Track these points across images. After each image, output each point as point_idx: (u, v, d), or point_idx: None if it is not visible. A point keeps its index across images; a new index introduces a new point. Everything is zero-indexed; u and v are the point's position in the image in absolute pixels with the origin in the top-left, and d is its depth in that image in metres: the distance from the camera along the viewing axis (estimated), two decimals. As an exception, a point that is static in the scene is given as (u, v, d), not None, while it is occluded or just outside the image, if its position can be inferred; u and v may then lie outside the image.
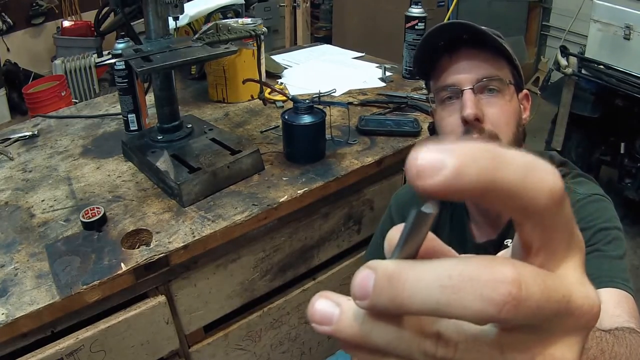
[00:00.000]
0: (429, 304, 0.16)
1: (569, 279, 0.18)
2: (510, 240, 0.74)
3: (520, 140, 0.71)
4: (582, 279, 0.19)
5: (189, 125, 1.07)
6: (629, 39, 1.89)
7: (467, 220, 0.78)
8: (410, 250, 0.19)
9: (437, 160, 0.15)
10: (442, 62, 0.71)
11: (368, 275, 0.17)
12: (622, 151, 2.10)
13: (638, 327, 0.53)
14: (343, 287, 1.20)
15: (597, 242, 0.63)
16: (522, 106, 0.73)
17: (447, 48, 0.70)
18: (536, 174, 0.16)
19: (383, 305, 0.17)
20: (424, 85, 1.36)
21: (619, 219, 0.67)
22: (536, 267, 0.17)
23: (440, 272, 0.16)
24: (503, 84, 0.68)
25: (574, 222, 0.18)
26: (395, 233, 0.20)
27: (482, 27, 0.69)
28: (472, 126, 0.67)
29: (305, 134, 1.02)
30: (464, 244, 0.78)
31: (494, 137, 0.67)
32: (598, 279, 0.60)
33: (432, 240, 0.20)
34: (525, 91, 0.74)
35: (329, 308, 0.18)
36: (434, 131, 0.78)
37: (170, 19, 0.97)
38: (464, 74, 0.68)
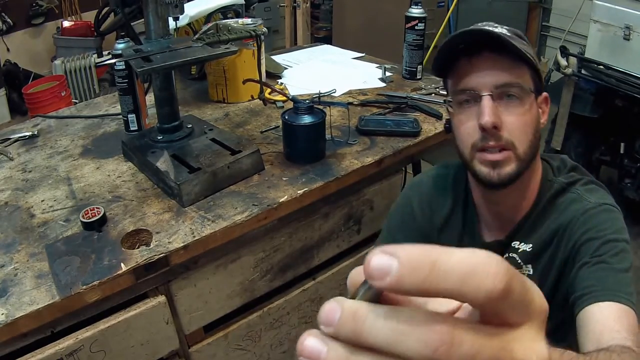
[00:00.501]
0: (381, 341, 0.20)
1: (518, 335, 0.21)
2: (518, 242, 0.74)
3: (536, 146, 0.70)
4: (536, 337, 0.21)
5: (189, 126, 1.07)
6: (628, 40, 1.89)
7: (476, 221, 0.79)
8: (372, 295, 0.22)
9: (384, 266, 0.19)
10: (462, 64, 0.69)
11: (335, 308, 0.21)
12: (621, 151, 2.10)
13: (634, 344, 0.53)
14: (343, 287, 1.20)
15: (604, 254, 0.63)
16: (540, 110, 0.72)
17: (468, 51, 0.68)
18: (474, 280, 0.18)
19: (345, 334, 0.20)
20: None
21: (627, 231, 0.67)
22: (476, 324, 0.20)
23: (393, 318, 0.20)
24: (523, 91, 0.67)
25: (529, 295, 0.21)
26: (357, 274, 0.23)
27: (504, 31, 0.67)
28: (489, 134, 0.66)
29: (305, 134, 1.02)
30: (473, 242, 0.79)
31: (510, 146, 0.66)
32: (601, 292, 0.59)
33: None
34: (544, 94, 0.73)
35: (318, 345, 0.21)
36: (450, 129, 0.77)
37: (171, 19, 0.97)
38: (483, 78, 0.67)
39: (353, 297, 0.22)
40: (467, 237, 0.79)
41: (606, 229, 0.65)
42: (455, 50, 0.69)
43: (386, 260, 0.19)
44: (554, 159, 0.78)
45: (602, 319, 0.57)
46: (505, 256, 0.74)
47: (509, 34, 0.68)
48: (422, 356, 0.19)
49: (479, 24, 0.72)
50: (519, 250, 0.73)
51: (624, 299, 0.58)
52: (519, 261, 0.73)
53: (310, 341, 0.21)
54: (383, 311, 0.20)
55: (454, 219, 0.81)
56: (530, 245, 0.72)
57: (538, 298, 0.21)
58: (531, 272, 0.72)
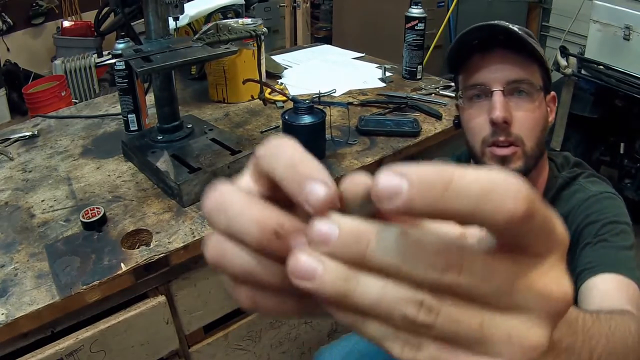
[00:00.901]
0: (387, 262, 0.18)
1: (537, 265, 0.19)
2: None
3: (543, 144, 0.71)
4: (558, 269, 0.19)
5: (189, 126, 1.07)
6: (628, 40, 1.89)
7: None
8: (370, 215, 0.20)
9: (394, 187, 0.17)
10: (474, 59, 0.70)
11: (330, 226, 0.19)
12: (621, 151, 2.10)
13: (636, 310, 0.53)
14: (343, 287, 1.20)
15: (604, 234, 0.64)
16: (548, 108, 0.73)
17: (481, 47, 0.69)
18: (494, 200, 0.17)
19: (345, 254, 0.19)
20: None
21: (629, 217, 0.68)
22: (491, 249, 0.19)
23: (400, 239, 0.18)
24: (533, 88, 0.68)
25: (551, 223, 0.19)
26: (352, 185, 0.21)
27: (517, 29, 0.68)
28: (500, 129, 0.67)
29: (305, 134, 1.02)
30: None
31: (519, 141, 0.67)
32: (602, 266, 0.60)
33: None
34: (552, 93, 0.74)
35: (313, 263, 0.19)
36: (459, 125, 0.78)
37: (171, 19, 0.97)
38: (495, 74, 0.68)
39: (348, 214, 0.20)
40: None
41: (607, 212, 0.66)
42: (469, 45, 0.70)
43: (396, 181, 0.17)
44: (557, 157, 0.79)
45: (603, 289, 0.57)
46: None
47: (520, 32, 0.69)
48: (430, 279, 0.18)
49: (490, 22, 0.72)
50: None
51: (625, 272, 0.58)
52: None
53: (303, 258, 0.19)
54: (389, 231, 0.18)
55: None
56: None
57: (559, 228, 0.19)
58: None
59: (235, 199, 0.21)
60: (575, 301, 0.61)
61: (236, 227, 0.20)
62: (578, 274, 0.62)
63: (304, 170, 0.21)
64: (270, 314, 0.22)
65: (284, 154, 0.21)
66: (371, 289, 0.18)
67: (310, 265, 0.19)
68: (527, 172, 0.69)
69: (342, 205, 0.21)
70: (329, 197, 0.20)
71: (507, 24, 0.71)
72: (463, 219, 0.17)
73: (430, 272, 0.18)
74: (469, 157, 0.82)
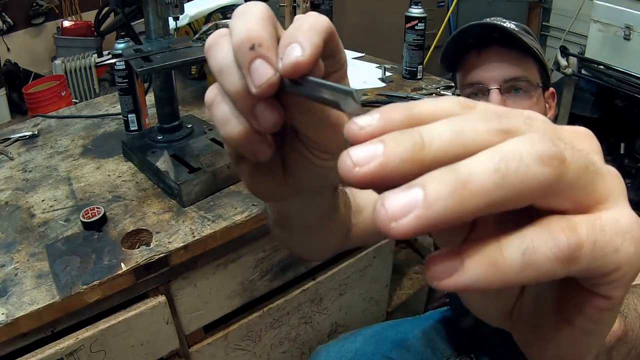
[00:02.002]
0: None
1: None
2: None
3: None
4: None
5: (189, 126, 1.07)
6: (629, 39, 1.89)
7: None
8: None
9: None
10: (471, 58, 0.71)
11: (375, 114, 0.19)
12: (622, 151, 2.10)
13: None
14: (343, 287, 1.20)
15: None
16: (547, 105, 0.73)
17: (476, 45, 0.70)
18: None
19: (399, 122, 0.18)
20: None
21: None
22: None
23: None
24: (530, 85, 0.68)
25: (593, 167, 0.17)
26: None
27: (512, 27, 0.69)
28: None
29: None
30: None
31: None
32: None
33: None
34: (551, 89, 0.74)
35: (368, 147, 0.17)
36: None
37: (171, 19, 0.97)
38: (491, 72, 0.68)
39: None
40: None
41: None
42: (465, 44, 0.70)
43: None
44: None
45: None
46: None
47: (517, 29, 0.69)
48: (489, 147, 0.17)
49: (488, 19, 0.73)
50: None
51: None
52: None
53: (354, 150, 0.17)
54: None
55: None
56: None
57: (599, 165, 0.18)
58: None
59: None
60: None
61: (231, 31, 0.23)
62: None
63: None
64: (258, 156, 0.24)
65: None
66: (442, 131, 0.17)
67: (367, 148, 0.17)
68: None
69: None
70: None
71: (503, 21, 0.71)
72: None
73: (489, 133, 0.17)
74: None
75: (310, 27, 0.23)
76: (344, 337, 0.95)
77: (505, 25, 0.69)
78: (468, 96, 0.72)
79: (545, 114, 0.72)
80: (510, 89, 0.68)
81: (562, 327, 0.21)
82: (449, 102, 0.19)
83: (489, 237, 0.17)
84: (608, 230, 0.17)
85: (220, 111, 0.24)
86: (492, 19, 0.73)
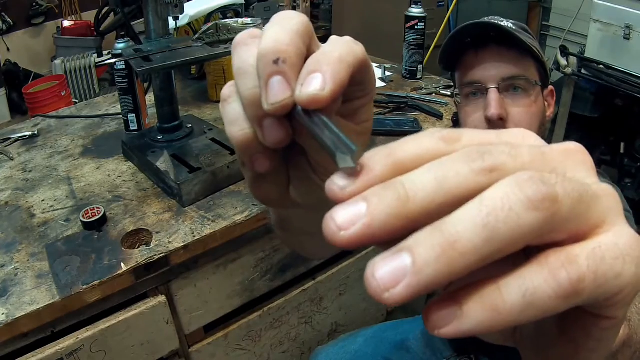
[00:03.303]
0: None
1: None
2: None
3: (542, 138, 0.71)
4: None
5: (189, 125, 1.07)
6: (629, 39, 1.89)
7: None
8: None
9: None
10: (469, 57, 0.71)
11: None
12: (622, 151, 2.10)
13: None
14: (343, 287, 1.20)
15: None
16: (546, 103, 0.73)
17: (474, 44, 0.70)
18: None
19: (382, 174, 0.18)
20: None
21: (626, 204, 0.67)
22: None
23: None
24: (529, 83, 0.68)
25: (584, 202, 0.17)
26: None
27: (510, 25, 0.69)
28: (495, 126, 0.67)
29: (305, 134, 1.02)
30: None
31: None
32: None
33: None
34: (550, 88, 0.74)
35: (352, 208, 0.17)
36: (457, 122, 0.78)
37: (170, 19, 0.97)
38: (489, 71, 0.68)
39: None
40: None
41: None
42: (463, 43, 0.71)
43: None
44: None
45: None
46: None
47: (514, 28, 0.69)
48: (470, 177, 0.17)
49: (486, 18, 0.73)
50: None
51: None
52: None
53: (339, 210, 0.17)
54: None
55: None
56: None
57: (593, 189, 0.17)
58: None
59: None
60: None
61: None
62: None
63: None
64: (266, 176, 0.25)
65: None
66: (426, 180, 0.17)
67: (351, 207, 0.17)
68: None
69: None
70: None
71: (500, 20, 0.71)
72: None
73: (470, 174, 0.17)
74: None
75: (340, 58, 0.21)
76: (343, 338, 0.95)
77: (502, 24, 0.69)
78: (467, 95, 0.72)
79: (544, 113, 0.72)
80: (509, 88, 0.68)
81: (566, 347, 0.20)
82: (431, 140, 0.19)
83: (485, 278, 0.17)
84: (608, 257, 0.16)
85: (232, 110, 0.24)
86: (490, 18, 0.73)
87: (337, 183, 0.18)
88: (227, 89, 0.25)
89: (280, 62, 0.21)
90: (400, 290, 0.15)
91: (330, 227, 0.17)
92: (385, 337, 0.94)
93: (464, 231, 0.15)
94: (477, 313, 0.16)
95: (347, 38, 0.23)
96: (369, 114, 0.28)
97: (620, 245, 0.17)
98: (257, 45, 0.22)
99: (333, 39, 0.22)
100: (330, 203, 0.18)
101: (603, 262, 0.16)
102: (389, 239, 0.17)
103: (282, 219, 0.38)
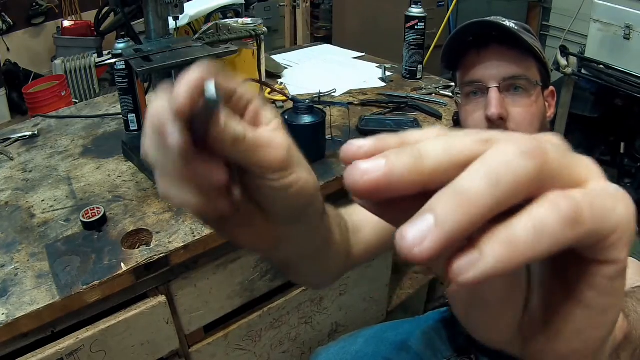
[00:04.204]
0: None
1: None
2: None
3: None
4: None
5: (189, 125, 1.06)
6: (628, 39, 1.89)
7: None
8: None
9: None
10: (470, 56, 0.71)
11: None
12: (621, 151, 2.10)
13: None
14: (343, 287, 1.20)
15: None
16: (547, 103, 0.73)
17: (476, 43, 0.70)
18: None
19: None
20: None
21: None
22: None
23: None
24: (530, 83, 0.68)
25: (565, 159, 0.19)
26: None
27: (512, 25, 0.69)
28: (495, 125, 0.67)
29: (306, 134, 1.02)
30: None
31: None
32: None
33: None
34: (551, 88, 0.74)
35: (373, 162, 0.19)
36: (458, 122, 0.78)
37: (171, 19, 0.97)
38: (491, 71, 0.68)
39: None
40: None
41: None
42: (464, 42, 0.70)
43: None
44: None
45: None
46: None
47: (517, 28, 0.69)
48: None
49: (486, 18, 0.73)
50: None
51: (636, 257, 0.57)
52: None
53: (364, 161, 0.19)
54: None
55: None
56: None
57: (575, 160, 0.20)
58: None
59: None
60: None
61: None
62: None
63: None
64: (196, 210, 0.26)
65: None
66: (435, 145, 0.19)
67: (372, 162, 0.19)
68: None
69: None
70: None
71: (502, 19, 0.71)
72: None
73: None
74: None
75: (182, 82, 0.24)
76: (343, 339, 0.95)
77: (504, 23, 0.69)
78: (467, 94, 0.72)
79: (544, 113, 0.72)
80: (510, 88, 0.68)
81: (576, 311, 0.21)
82: (432, 130, 0.21)
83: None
84: (600, 195, 0.19)
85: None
86: (492, 17, 0.73)
87: (354, 143, 0.20)
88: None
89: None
90: (428, 244, 0.17)
91: (354, 172, 0.19)
92: (386, 337, 0.94)
93: (472, 184, 0.18)
94: (494, 251, 0.17)
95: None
96: None
97: (609, 190, 0.19)
98: None
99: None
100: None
101: (596, 197, 0.19)
102: (402, 192, 0.19)
103: (278, 259, 0.40)
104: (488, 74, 0.68)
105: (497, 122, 0.67)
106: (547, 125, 0.72)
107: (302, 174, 0.31)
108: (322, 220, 0.39)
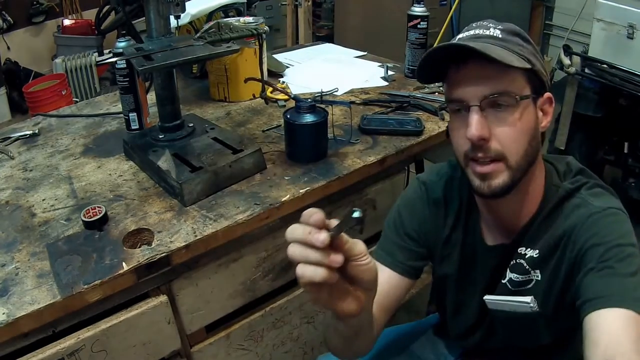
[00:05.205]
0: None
1: None
2: (524, 249, 0.71)
3: (532, 154, 0.66)
4: None
5: (191, 125, 1.06)
6: (632, 38, 1.88)
7: (479, 223, 0.76)
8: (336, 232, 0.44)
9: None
10: (451, 72, 0.67)
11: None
12: (625, 151, 2.09)
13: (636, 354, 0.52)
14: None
15: (609, 259, 0.61)
16: (541, 112, 0.68)
17: (455, 59, 0.65)
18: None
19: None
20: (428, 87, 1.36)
21: (634, 234, 0.64)
22: None
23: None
24: (512, 99, 0.64)
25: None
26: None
27: (497, 34, 0.65)
28: (478, 146, 0.64)
29: (308, 133, 1.01)
30: (475, 245, 0.76)
31: (500, 157, 0.64)
32: (607, 298, 0.57)
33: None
34: (547, 95, 0.69)
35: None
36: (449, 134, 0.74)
37: (172, 18, 0.96)
38: (471, 87, 0.64)
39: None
40: (469, 238, 0.78)
41: (611, 233, 0.63)
42: (441, 60, 0.66)
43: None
44: (560, 162, 0.75)
45: (608, 330, 0.56)
46: (512, 262, 0.73)
47: (499, 36, 0.65)
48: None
49: (474, 24, 0.69)
50: (526, 256, 0.71)
51: (631, 304, 0.56)
52: (527, 267, 0.71)
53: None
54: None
55: (460, 220, 0.79)
56: (537, 251, 0.70)
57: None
58: (539, 278, 0.71)
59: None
60: (581, 331, 0.59)
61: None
62: (582, 302, 0.60)
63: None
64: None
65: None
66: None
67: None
68: (513, 185, 0.66)
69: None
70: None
71: (485, 29, 0.67)
72: None
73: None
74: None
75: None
76: None
77: (488, 32, 0.65)
78: (453, 111, 0.68)
79: (535, 126, 0.67)
80: (492, 104, 0.64)
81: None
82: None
83: None
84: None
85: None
86: (478, 24, 0.69)
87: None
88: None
89: None
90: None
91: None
92: (388, 343, 0.93)
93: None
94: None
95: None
96: None
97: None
98: None
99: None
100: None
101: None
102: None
103: (355, 326, 0.61)
104: (468, 93, 0.64)
105: (479, 143, 0.64)
106: (538, 138, 0.68)
107: (372, 264, 0.50)
108: (369, 303, 0.57)
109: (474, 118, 0.63)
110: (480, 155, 0.65)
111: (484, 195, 0.67)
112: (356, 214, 0.41)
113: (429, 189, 0.81)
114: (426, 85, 1.40)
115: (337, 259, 0.44)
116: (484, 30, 0.67)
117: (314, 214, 0.44)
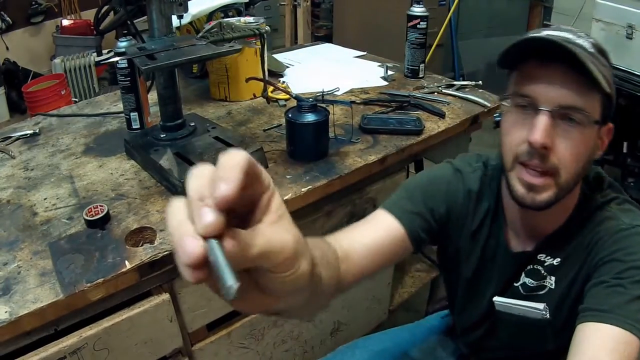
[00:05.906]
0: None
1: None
2: (544, 255, 0.70)
3: (581, 176, 0.64)
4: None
5: (192, 124, 1.06)
6: (631, 38, 1.89)
7: (504, 227, 0.74)
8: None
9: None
10: (531, 65, 0.61)
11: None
12: (624, 150, 2.10)
13: None
14: (346, 285, 1.19)
15: (625, 278, 0.60)
16: (600, 141, 0.65)
17: (540, 54, 0.60)
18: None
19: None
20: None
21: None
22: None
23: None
24: (587, 119, 0.59)
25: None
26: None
27: (587, 45, 0.60)
28: (537, 152, 0.60)
29: (309, 133, 1.02)
30: (496, 249, 0.75)
31: (553, 171, 0.61)
32: (608, 313, 0.57)
33: None
34: (609, 125, 0.65)
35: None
36: (499, 124, 0.69)
37: (174, 17, 0.96)
38: (548, 92, 0.59)
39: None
40: (492, 241, 0.75)
41: (635, 253, 0.61)
42: (527, 49, 0.61)
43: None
44: (590, 172, 0.72)
45: (597, 345, 0.55)
46: (529, 267, 0.72)
47: (591, 51, 0.60)
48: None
49: (562, 26, 0.64)
50: (545, 264, 0.70)
51: (630, 325, 0.55)
52: (544, 273, 0.70)
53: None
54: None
55: (487, 219, 0.76)
56: (559, 259, 0.69)
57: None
58: (553, 286, 0.70)
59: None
60: (569, 338, 0.58)
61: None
62: (582, 310, 0.59)
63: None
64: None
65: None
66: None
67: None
68: (557, 202, 0.63)
69: None
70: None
71: (577, 36, 0.62)
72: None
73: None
74: (494, 171, 0.76)
75: (231, 166, 0.32)
76: (341, 351, 0.92)
77: (578, 41, 0.59)
78: (517, 105, 0.63)
79: (593, 154, 0.64)
80: (564, 117, 0.59)
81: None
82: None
83: None
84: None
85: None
86: (568, 28, 0.63)
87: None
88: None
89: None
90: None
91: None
92: (385, 348, 0.92)
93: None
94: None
95: (232, 152, 0.37)
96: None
97: None
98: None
99: (220, 157, 0.36)
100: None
101: None
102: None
103: (273, 313, 0.44)
104: (545, 95, 0.59)
105: (540, 151, 0.59)
106: (591, 163, 0.66)
107: (303, 264, 0.36)
108: (311, 281, 0.40)
109: (544, 123, 0.59)
110: (535, 163, 0.61)
111: (526, 206, 0.64)
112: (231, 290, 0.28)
113: (465, 178, 0.77)
114: (426, 85, 1.41)
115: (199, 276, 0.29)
116: (575, 37, 0.61)
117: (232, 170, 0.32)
